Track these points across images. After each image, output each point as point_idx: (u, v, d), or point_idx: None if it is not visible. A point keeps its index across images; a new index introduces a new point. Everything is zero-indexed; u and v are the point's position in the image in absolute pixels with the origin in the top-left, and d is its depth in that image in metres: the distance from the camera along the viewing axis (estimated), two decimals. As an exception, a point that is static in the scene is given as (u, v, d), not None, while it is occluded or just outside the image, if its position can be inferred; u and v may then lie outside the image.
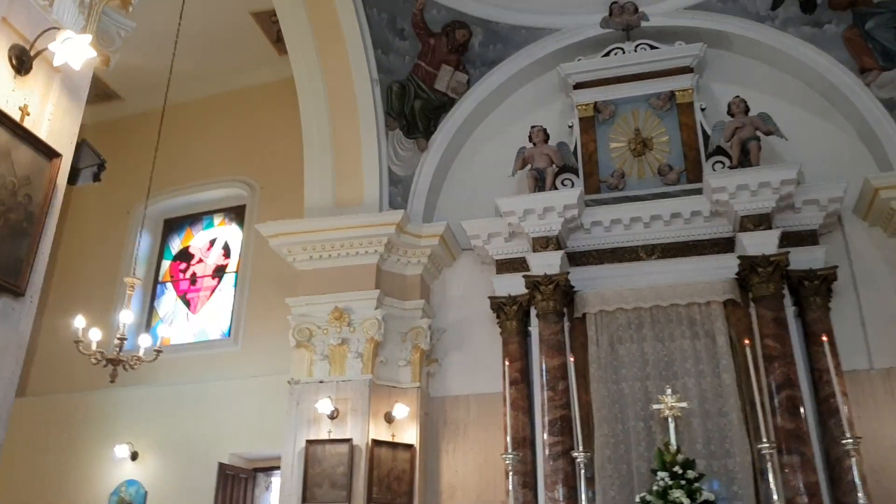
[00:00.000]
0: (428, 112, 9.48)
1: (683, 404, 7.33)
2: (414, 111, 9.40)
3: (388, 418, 8.30)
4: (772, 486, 6.68)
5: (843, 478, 7.09)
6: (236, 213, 11.36)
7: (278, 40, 10.89)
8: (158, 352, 7.89)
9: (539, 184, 8.62)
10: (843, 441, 6.52)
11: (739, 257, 7.87)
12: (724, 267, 8.15)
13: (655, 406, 7.43)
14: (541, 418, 7.89)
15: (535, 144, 8.86)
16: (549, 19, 9.67)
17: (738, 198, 7.97)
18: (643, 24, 9.44)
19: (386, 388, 8.44)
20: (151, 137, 11.95)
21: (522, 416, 8.07)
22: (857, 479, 6.44)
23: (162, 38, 11.14)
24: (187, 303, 11.22)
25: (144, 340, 7.94)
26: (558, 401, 7.83)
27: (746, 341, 7.27)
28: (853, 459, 6.48)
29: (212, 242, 11.50)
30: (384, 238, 8.69)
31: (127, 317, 7.56)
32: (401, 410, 8.30)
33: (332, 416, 8.15)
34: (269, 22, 10.78)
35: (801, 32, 8.94)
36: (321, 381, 8.41)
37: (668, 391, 7.37)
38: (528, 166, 8.73)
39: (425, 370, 8.83)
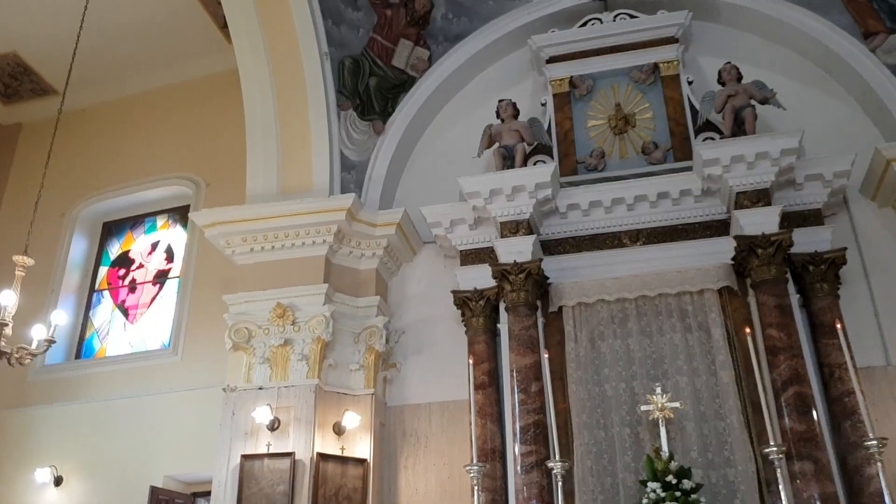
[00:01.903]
0: (385, 91, 8.54)
1: (676, 404, 6.27)
2: (369, 90, 8.46)
3: (338, 429, 7.20)
4: (782, 497, 5.60)
5: (863, 488, 6.05)
6: (181, 215, 10.33)
7: (225, 26, 9.96)
8: (50, 342, 6.77)
9: (508, 163, 7.66)
10: (866, 444, 5.44)
11: (736, 237, 6.89)
12: (719, 252, 7.16)
13: (644, 407, 6.36)
14: (511, 426, 6.80)
15: (503, 121, 7.92)
16: (517, -10, 8.81)
17: (732, 171, 7.03)
18: (623, -9, 8.59)
19: (335, 395, 7.35)
20: (89, 135, 11.17)
21: (491, 424, 6.99)
22: (883, 488, 5.37)
23: (102, 26, 10.33)
24: (125, 312, 10.12)
25: (38, 332, 6.83)
26: (531, 405, 6.75)
27: (747, 330, 6.24)
28: (878, 466, 5.41)
29: (154, 246, 10.45)
30: (333, 226, 7.68)
31: (8, 298, 6.44)
32: (351, 420, 7.20)
33: (272, 427, 7.04)
34: (215, 4, 9.84)
35: (796, -2, 8.12)
36: (260, 388, 7.31)
37: (658, 389, 6.32)
38: (496, 145, 7.77)
39: (381, 375, 7.75)
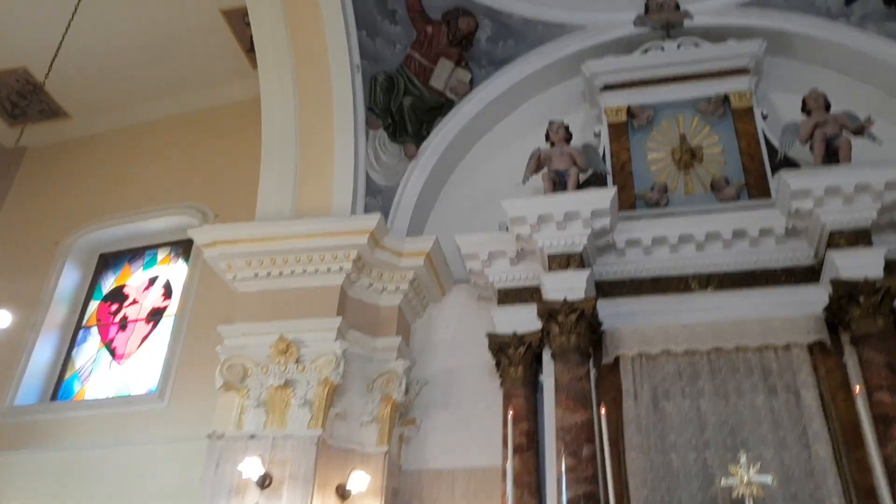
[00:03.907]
0: (420, 113, 7.65)
1: (766, 478, 5.02)
2: (403, 110, 7.58)
3: (341, 492, 5.94)
4: None
5: None
6: (184, 248, 9.34)
7: (251, 50, 9.24)
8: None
9: (559, 189, 6.66)
10: None
11: (833, 282, 5.76)
12: (804, 302, 6.05)
13: (725, 482, 5.11)
14: (555, 499, 5.53)
15: (553, 144, 6.97)
16: (571, 15, 8.02)
17: (826, 206, 5.99)
18: (686, 23, 7.79)
19: (341, 452, 6.13)
20: (95, 161, 10.35)
21: (529, 496, 5.76)
22: None
23: (121, 46, 9.69)
24: (112, 351, 8.99)
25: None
26: (581, 473, 5.49)
27: (856, 391, 5.05)
28: None
29: (151, 281, 9.41)
30: (353, 252, 6.64)
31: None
32: (359, 481, 5.94)
33: (262, 484, 5.79)
34: (241, 24, 9.18)
35: (885, 29, 7.27)
36: (252, 436, 6.09)
37: (743, 459, 5.08)
38: (545, 169, 6.79)
39: (397, 432, 6.53)
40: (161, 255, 9.55)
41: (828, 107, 6.63)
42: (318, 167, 7.21)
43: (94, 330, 9.24)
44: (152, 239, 9.59)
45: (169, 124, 10.15)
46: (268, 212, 7.09)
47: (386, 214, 7.15)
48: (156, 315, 9.10)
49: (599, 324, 6.18)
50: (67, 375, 8.94)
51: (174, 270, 9.35)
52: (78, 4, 6.44)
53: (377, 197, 7.26)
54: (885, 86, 7.30)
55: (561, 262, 6.29)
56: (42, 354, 8.94)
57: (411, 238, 7.00)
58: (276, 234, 6.76)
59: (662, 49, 7.62)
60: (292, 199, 7.15)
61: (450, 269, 7.15)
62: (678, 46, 7.60)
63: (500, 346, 6.38)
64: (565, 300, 6.03)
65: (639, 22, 7.87)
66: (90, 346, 9.12)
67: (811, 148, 6.46)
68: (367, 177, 7.26)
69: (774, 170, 6.76)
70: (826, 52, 7.49)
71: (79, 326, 9.27)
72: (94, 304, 9.44)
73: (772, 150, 6.92)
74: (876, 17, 7.29)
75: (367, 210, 7.06)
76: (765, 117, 7.15)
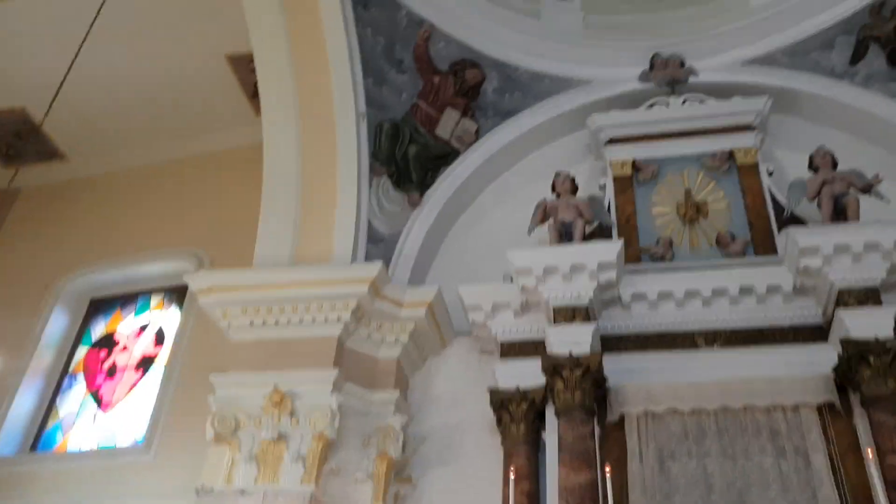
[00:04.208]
0: (425, 161, 7.59)
1: (779, 545, 4.81)
2: (407, 158, 7.52)
3: (334, 552, 5.69)
4: None
5: None
6: (178, 295, 9.15)
7: (255, 95, 9.25)
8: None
9: (565, 241, 6.56)
10: None
11: (843, 342, 5.62)
12: (812, 362, 5.90)
13: (735, 547, 4.89)
14: (558, 564, 5.29)
15: (559, 196, 6.91)
16: (577, 69, 8.04)
17: (834, 264, 5.89)
18: (691, 79, 7.81)
19: (335, 509, 5.88)
20: (90, 204, 10.23)
21: (530, 560, 5.49)
22: None
23: (123, 88, 9.67)
24: (98, 400, 8.73)
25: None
26: (586, 536, 5.27)
27: (869, 455, 4.88)
28: None
29: (143, 328, 9.20)
30: (352, 301, 6.47)
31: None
32: (352, 541, 5.70)
33: (251, 542, 5.55)
34: (246, 70, 9.17)
35: (890, 90, 7.29)
36: (242, 491, 5.81)
37: (754, 524, 4.88)
38: (551, 220, 6.70)
39: (393, 490, 6.25)
40: (154, 300, 9.36)
41: (835, 165, 6.60)
42: (319, 214, 7.10)
43: (81, 377, 8.98)
44: (146, 284, 9.40)
45: (168, 168, 10.07)
46: (266, 258, 6.95)
47: (387, 263, 7.00)
48: (146, 363, 8.87)
49: (604, 380, 6.00)
50: (50, 425, 8.65)
51: (167, 317, 9.16)
52: (81, 45, 6.40)
53: (379, 245, 7.14)
54: (890, 145, 7.28)
55: (566, 315, 6.15)
56: (24, 402, 8.66)
57: (413, 288, 6.85)
58: (274, 282, 6.61)
59: (667, 105, 7.62)
60: (291, 245, 7.01)
61: (451, 320, 6.98)
62: (683, 102, 7.61)
63: (501, 402, 6.18)
64: (570, 355, 5.87)
65: (644, 78, 7.90)
66: (75, 394, 8.85)
67: (818, 205, 6.40)
68: (370, 224, 7.15)
69: (780, 227, 6.70)
70: (831, 110, 7.50)
71: (64, 373, 9.01)
72: (81, 350, 9.20)
73: (777, 206, 6.85)
74: (880, 77, 7.33)
75: (368, 258, 6.93)
76: (770, 174, 7.11)
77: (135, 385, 8.73)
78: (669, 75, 7.83)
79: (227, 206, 9.22)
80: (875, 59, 7.36)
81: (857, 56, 7.42)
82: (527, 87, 8.00)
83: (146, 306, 9.38)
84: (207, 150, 9.99)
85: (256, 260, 6.97)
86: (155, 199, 9.80)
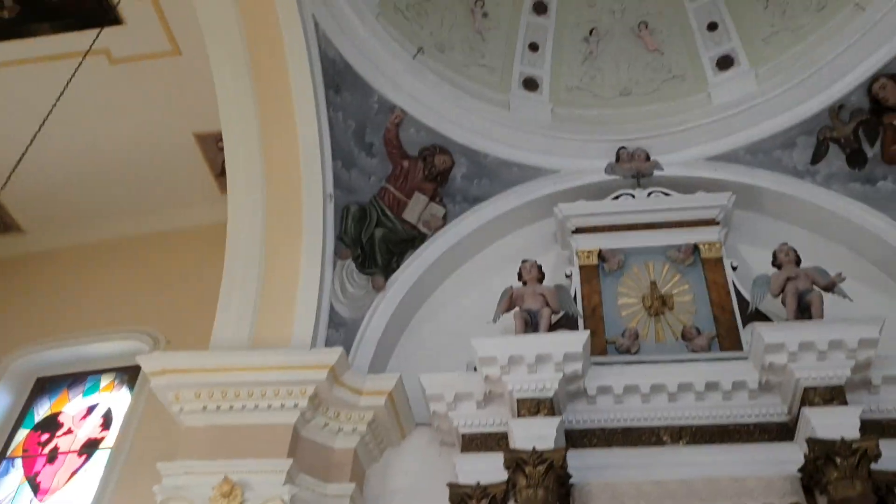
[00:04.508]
0: (391, 244, 7.51)
1: None
2: (374, 241, 7.43)
3: None
4: None
5: None
6: (130, 376, 8.80)
7: (222, 174, 9.19)
8: None
9: (530, 330, 6.46)
10: None
11: (809, 441, 5.52)
12: (780, 461, 5.80)
13: None
14: None
15: (525, 283, 6.84)
16: (545, 159, 8.16)
17: (800, 361, 5.84)
18: (656, 173, 7.93)
19: None
20: (44, 279, 9.91)
21: None
22: None
23: (86, 162, 9.55)
24: (35, 486, 8.24)
25: None
26: None
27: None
28: None
29: (90, 410, 8.79)
30: (310, 387, 6.23)
31: None
32: None
33: None
34: (214, 148, 9.14)
35: (850, 190, 7.44)
36: (186, 589, 5.47)
37: None
38: (517, 308, 6.61)
39: (346, 590, 5.92)
40: (104, 381, 8.97)
41: (798, 261, 6.65)
42: (280, 296, 6.91)
43: (19, 462, 8.49)
44: (97, 364, 9.02)
45: (127, 244, 9.84)
46: (223, 341, 6.71)
47: (348, 349, 6.81)
48: (90, 447, 8.43)
49: (569, 476, 5.79)
50: (-21, 513, 8.13)
51: (117, 399, 8.77)
52: (46, 118, 6.29)
53: (340, 330, 6.96)
54: (851, 244, 7.40)
55: (531, 407, 5.98)
56: (-43, 485, 8.17)
57: (373, 375, 6.64)
58: (230, 365, 6.36)
59: (633, 196, 7.70)
60: (250, 328, 6.79)
61: (412, 410, 6.76)
62: (649, 195, 7.69)
63: (461, 498, 5.89)
64: (534, 450, 5.66)
65: (610, 170, 8.01)
66: (11, 480, 8.34)
67: (783, 302, 6.41)
68: (332, 308, 6.98)
69: (745, 322, 6.70)
70: (793, 208, 7.64)
71: (2, 457, 8.52)
72: (22, 433, 8.73)
73: (742, 301, 6.86)
74: (841, 177, 7.50)
75: (328, 343, 6.73)
76: (735, 269, 7.14)
77: (76, 471, 8.27)
78: (635, 168, 7.94)
79: (187, 286, 9.00)
80: (835, 159, 7.55)
81: (818, 156, 7.61)
82: (495, 175, 8.06)
83: (95, 387, 8.99)
84: (170, 228, 9.82)
85: (213, 342, 6.73)
86: (112, 276, 9.54)
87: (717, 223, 7.40)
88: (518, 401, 6.02)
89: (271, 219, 7.22)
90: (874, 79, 7.40)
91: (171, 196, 9.72)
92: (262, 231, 7.20)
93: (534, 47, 8.92)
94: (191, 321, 8.55)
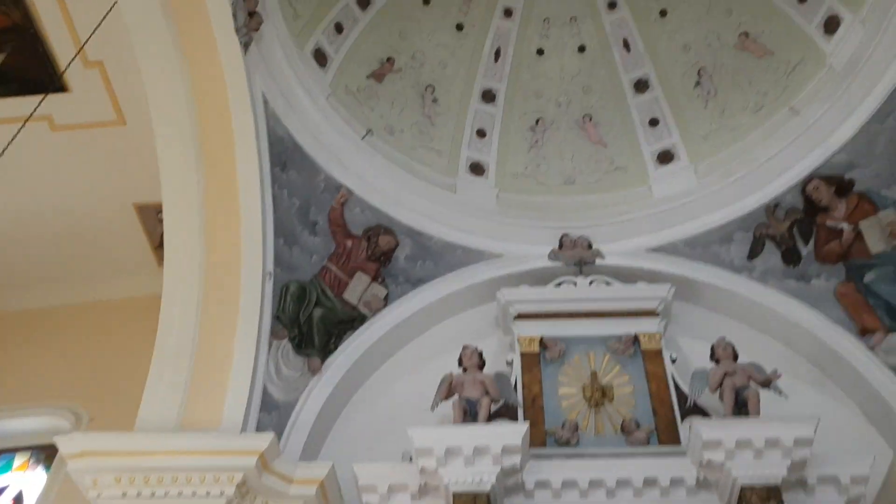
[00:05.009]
0: (329, 325, 7.36)
1: None
2: (312, 321, 7.27)
3: None
4: None
5: None
6: (47, 455, 8.32)
7: (160, 245, 8.96)
8: None
9: (469, 419, 6.32)
10: None
11: (750, 543, 5.47)
12: (721, 564, 5.72)
13: None
14: None
15: (465, 370, 6.74)
16: (489, 243, 8.20)
17: (737, 459, 5.83)
18: (598, 261, 8.01)
19: None
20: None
21: None
22: None
23: (18, 227, 9.24)
24: (-70, 576, 7.63)
25: None
26: None
27: None
28: None
29: (1, 491, 8.24)
30: (238, 475, 5.94)
31: None
32: None
33: None
34: (154, 219, 8.95)
35: (785, 286, 7.62)
36: None
37: None
38: (456, 396, 6.49)
39: None
40: (19, 460, 8.44)
41: (736, 356, 6.71)
42: (212, 376, 6.64)
43: (-86, 548, 7.89)
44: (13, 441, 8.51)
45: (56, 314, 9.43)
46: (150, 422, 6.38)
47: (280, 433, 6.56)
48: (-4, 532, 7.89)
49: (504, 576, 5.61)
50: None
51: (30, 480, 8.25)
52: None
53: (272, 413, 6.71)
54: (787, 340, 7.53)
55: (467, 501, 5.79)
56: None
57: (305, 463, 6.39)
58: (154, 449, 6.03)
59: (575, 284, 7.76)
60: (179, 409, 6.48)
61: (343, 500, 6.50)
62: (590, 283, 7.76)
63: None
64: (469, 547, 5.49)
65: (553, 256, 8.07)
66: None
67: (720, 397, 6.44)
68: (265, 390, 6.74)
69: (684, 415, 6.71)
70: (731, 302, 7.76)
71: None
72: (-81, 516, 8.14)
73: (681, 394, 6.88)
74: (776, 273, 7.68)
75: (260, 427, 6.47)
76: (674, 361, 7.18)
77: (-22, 559, 7.70)
78: (578, 256, 8.02)
79: (116, 360, 8.63)
80: (771, 255, 7.75)
81: (755, 252, 7.80)
82: (439, 257, 8.05)
83: (8, 466, 8.44)
84: (102, 298, 9.48)
85: (139, 423, 6.39)
86: (37, 347, 9.10)
87: (657, 314, 7.47)
88: (454, 494, 5.84)
89: (208, 294, 7.01)
90: (808, 180, 7.69)
91: (107, 266, 9.41)
92: (198, 307, 6.97)
93: (481, 133, 9.10)
94: (117, 397, 8.19)
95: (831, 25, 7.95)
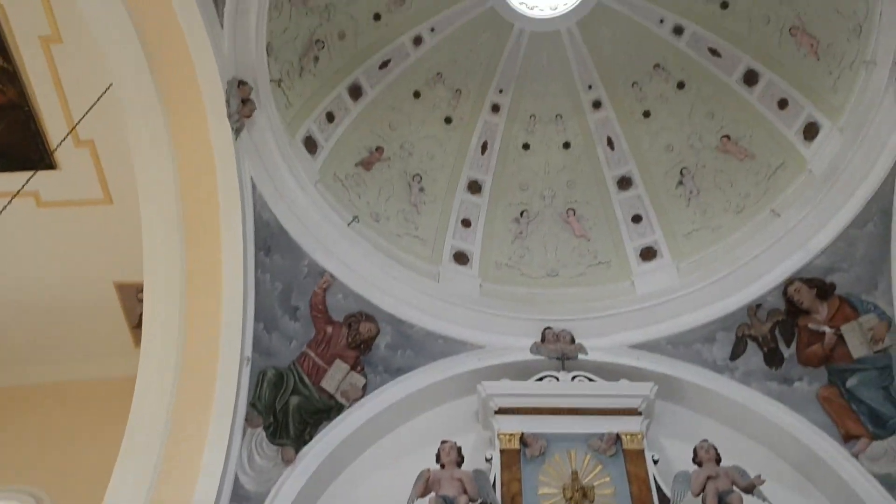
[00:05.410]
0: (306, 414, 7.19)
1: None
2: (288, 409, 7.11)
3: None
4: None
5: None
6: (4, 540, 7.99)
7: (137, 326, 8.84)
8: None
9: (444, 518, 6.13)
10: None
11: None
12: None
13: None
14: None
15: (443, 466, 6.57)
16: (472, 334, 8.17)
17: (721, 569, 5.66)
18: (581, 357, 7.95)
19: None
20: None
21: None
22: None
23: (2, 295, 9.12)
24: None
25: None
26: None
27: None
28: None
29: (-51, 578, 7.85)
30: (201, 572, 5.72)
31: None
32: None
33: None
34: (133, 299, 8.86)
35: (767, 388, 7.57)
36: None
37: None
38: (433, 494, 6.29)
39: None
40: (-26, 543, 8.11)
41: (718, 459, 6.59)
42: (182, 463, 6.44)
43: None
44: (-31, 523, 8.20)
45: (23, 392, 9.26)
46: (112, 510, 6.16)
47: (249, 526, 6.34)
48: None
49: None
50: None
51: (-15, 565, 7.90)
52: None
53: (243, 504, 6.49)
54: (770, 444, 7.41)
55: None
56: None
57: (272, 563, 6.14)
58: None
59: (557, 379, 7.66)
60: (146, 496, 6.24)
61: None
62: (573, 378, 7.66)
63: None
64: None
65: (535, 350, 8.01)
66: None
67: (703, 501, 6.28)
68: (236, 480, 6.54)
69: (668, 520, 6.53)
70: (714, 402, 7.68)
71: None
72: None
73: (662, 497, 6.72)
74: (759, 374, 7.64)
75: (227, 520, 6.25)
76: (656, 462, 7.03)
77: None
78: (560, 350, 7.96)
79: (84, 443, 8.45)
80: (753, 356, 7.73)
81: (737, 352, 7.79)
82: (420, 346, 7.97)
83: (-38, 550, 8.09)
84: (75, 378, 9.32)
85: (101, 510, 6.16)
86: (2, 426, 8.85)
87: (640, 413, 7.35)
88: None
89: (183, 378, 6.87)
90: (789, 282, 7.73)
91: (82, 345, 9.28)
92: (173, 390, 6.81)
93: (466, 223, 9.19)
94: (83, 481, 7.96)
95: (811, 132, 8.17)
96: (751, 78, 8.62)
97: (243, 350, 6.99)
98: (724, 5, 8.61)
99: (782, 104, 8.42)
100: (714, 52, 8.79)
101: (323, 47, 8.38)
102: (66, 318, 9.10)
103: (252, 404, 6.94)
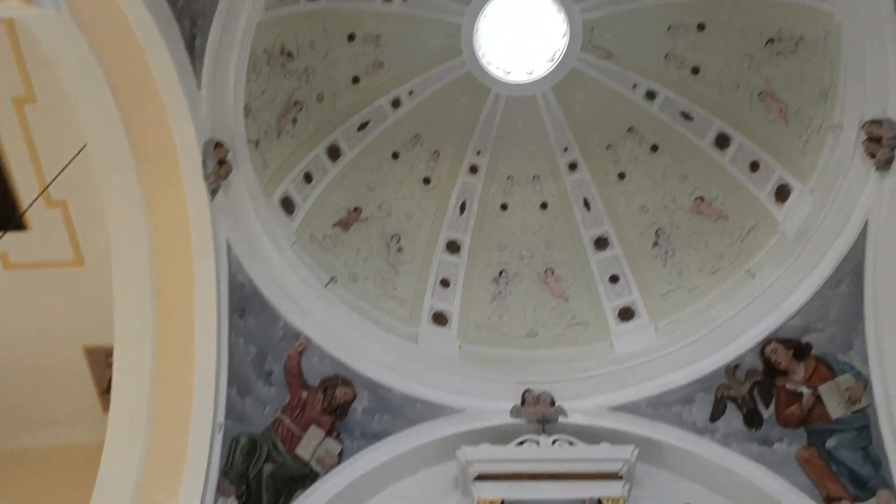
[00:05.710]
0: (279, 483, 7.02)
1: None
2: (261, 478, 6.94)
3: None
4: None
5: None
6: None
7: (106, 391, 8.59)
8: None
9: (423, 592, 5.92)
10: None
11: None
12: None
13: None
14: None
15: (422, 538, 6.39)
16: (451, 397, 8.07)
17: None
18: (561, 419, 7.86)
19: None
20: None
21: None
22: None
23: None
24: None
25: None
26: None
27: None
28: None
29: None
30: None
31: None
32: None
33: None
34: (103, 363, 8.60)
35: (747, 450, 7.53)
36: None
37: None
38: (410, 567, 6.11)
39: None
40: None
41: (702, 526, 6.49)
42: (150, 536, 6.22)
43: None
44: None
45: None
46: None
47: None
48: None
49: None
50: None
51: None
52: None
53: (211, 580, 6.23)
54: (750, 505, 7.34)
55: None
56: None
57: None
58: None
59: (538, 443, 7.58)
60: (108, 570, 6.01)
61: None
62: (553, 442, 7.59)
63: None
64: None
65: (515, 413, 7.91)
66: None
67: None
68: (206, 554, 6.30)
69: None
70: (695, 465, 7.62)
71: None
72: None
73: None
74: (739, 436, 7.60)
75: None
76: (640, 529, 6.93)
77: None
78: (540, 413, 7.88)
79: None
80: (733, 417, 7.69)
81: (716, 414, 7.75)
82: (398, 410, 7.85)
83: None
84: (39, 445, 8.94)
85: (61, 590, 5.87)
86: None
87: (621, 478, 7.27)
88: None
89: (153, 445, 6.67)
90: (767, 342, 7.75)
91: (48, 410, 8.92)
92: (141, 458, 6.61)
93: (445, 283, 9.15)
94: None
95: (782, 194, 8.28)
96: (723, 141, 8.77)
97: (216, 416, 6.82)
98: (696, 71, 8.80)
99: (754, 167, 8.55)
100: (686, 116, 8.96)
101: (301, 109, 8.42)
102: (33, 382, 8.78)
103: (224, 473, 6.75)
